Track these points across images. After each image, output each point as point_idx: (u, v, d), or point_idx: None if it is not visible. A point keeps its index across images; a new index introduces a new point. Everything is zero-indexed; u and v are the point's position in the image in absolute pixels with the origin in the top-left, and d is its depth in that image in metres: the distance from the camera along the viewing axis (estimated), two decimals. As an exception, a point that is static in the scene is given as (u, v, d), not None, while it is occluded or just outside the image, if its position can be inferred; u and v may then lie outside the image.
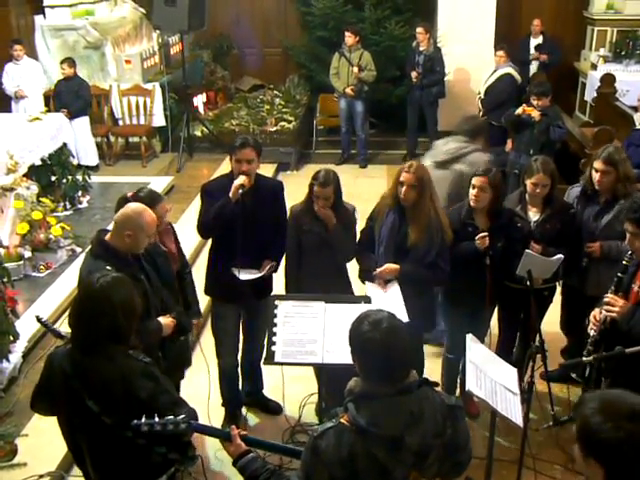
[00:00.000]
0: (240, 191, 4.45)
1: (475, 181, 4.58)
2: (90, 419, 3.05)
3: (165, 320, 3.95)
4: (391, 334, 2.53)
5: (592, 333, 3.97)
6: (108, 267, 3.55)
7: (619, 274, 3.95)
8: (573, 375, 5.20)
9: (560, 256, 4.70)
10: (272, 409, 5.27)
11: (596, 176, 4.77)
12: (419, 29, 10.31)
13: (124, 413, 2.94)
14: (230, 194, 4.46)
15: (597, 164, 4.77)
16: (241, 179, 4.47)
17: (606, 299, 3.88)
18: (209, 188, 4.75)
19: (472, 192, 4.59)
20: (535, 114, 7.36)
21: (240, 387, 5.23)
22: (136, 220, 3.76)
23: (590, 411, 2.14)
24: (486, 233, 4.56)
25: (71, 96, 9.77)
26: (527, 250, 4.61)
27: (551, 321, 5.30)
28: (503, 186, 4.75)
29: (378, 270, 4.50)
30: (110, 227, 3.86)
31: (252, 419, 5.26)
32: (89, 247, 3.97)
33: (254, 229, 4.55)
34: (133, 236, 3.74)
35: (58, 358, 3.16)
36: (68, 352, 3.14)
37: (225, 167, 5.84)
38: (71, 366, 3.08)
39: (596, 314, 3.96)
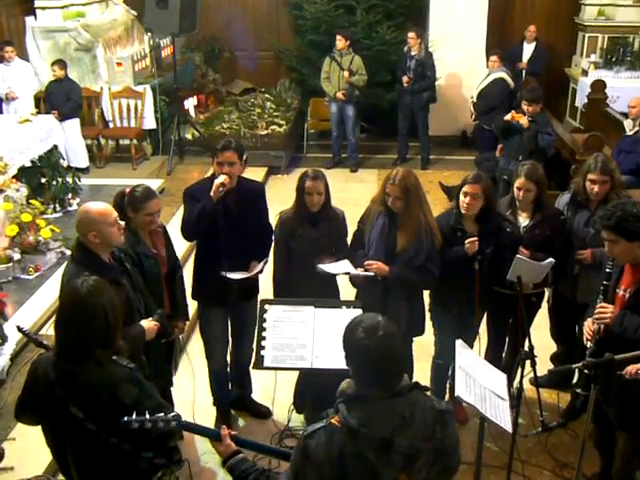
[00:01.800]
0: (221, 189, 4.45)
1: (467, 188, 4.56)
2: (74, 426, 3.03)
3: (148, 324, 3.93)
4: (387, 341, 2.53)
5: (589, 345, 3.97)
6: (87, 273, 3.54)
7: (604, 282, 3.96)
8: (578, 390, 5.04)
9: (551, 260, 4.69)
10: (261, 414, 5.25)
11: (594, 187, 4.75)
12: (411, 34, 10.33)
13: (109, 419, 2.93)
14: (211, 193, 4.46)
15: (593, 175, 4.74)
16: (222, 178, 4.47)
17: (596, 309, 3.88)
18: (192, 191, 4.73)
19: (464, 200, 4.58)
20: (523, 121, 7.38)
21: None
22: (88, 219, 3.75)
23: None
24: (475, 238, 4.55)
25: (62, 98, 9.74)
26: (518, 255, 4.60)
27: (540, 327, 5.31)
28: (493, 193, 4.75)
29: (369, 262, 4.49)
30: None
31: (241, 422, 5.25)
32: (70, 253, 3.96)
33: (238, 231, 4.56)
34: (98, 233, 3.72)
35: (42, 365, 3.14)
36: (53, 359, 3.11)
37: (215, 170, 5.82)
38: (55, 372, 3.06)
39: (590, 325, 3.96)
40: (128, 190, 4.30)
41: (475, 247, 4.56)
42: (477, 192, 4.54)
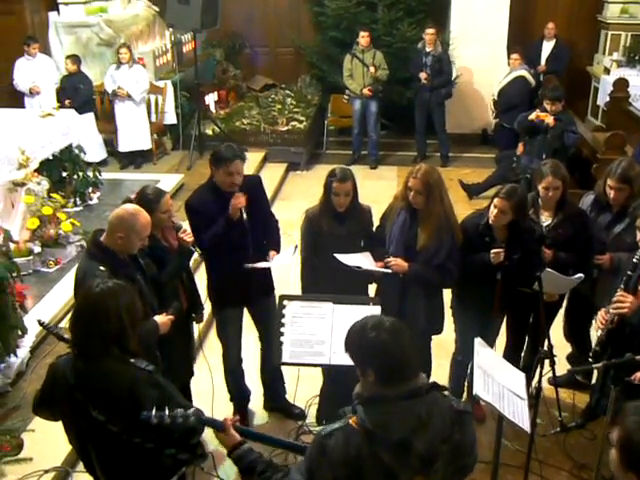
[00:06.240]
0: (241, 209, 4.45)
1: (497, 202, 4.48)
2: (97, 428, 3.02)
3: (161, 319, 3.92)
4: (398, 330, 2.54)
5: (599, 333, 3.94)
6: (102, 267, 3.54)
7: (628, 272, 3.92)
8: (578, 377, 5.17)
9: (580, 275, 4.63)
10: (296, 416, 5.18)
11: (610, 192, 4.70)
12: (431, 30, 10.29)
13: (130, 421, 2.91)
14: (232, 214, 4.44)
15: (611, 182, 4.68)
16: (241, 200, 4.44)
17: (615, 297, 3.85)
18: (195, 204, 4.59)
19: (493, 211, 4.51)
20: (549, 120, 7.31)
21: (262, 393, 5.26)
22: (129, 222, 3.73)
23: (635, 425, 2.09)
24: (501, 250, 4.49)
25: (72, 91, 9.86)
26: (548, 269, 4.50)
27: (559, 326, 5.28)
28: (527, 206, 4.65)
29: (389, 259, 4.48)
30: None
31: (258, 418, 5.26)
32: (86, 248, 3.95)
33: (254, 228, 4.55)
34: (125, 238, 3.72)
35: (61, 368, 3.12)
36: (71, 362, 3.10)
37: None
38: (74, 377, 3.04)
39: (603, 314, 3.93)
40: (134, 196, 4.27)
41: (500, 258, 4.50)
42: (505, 209, 4.45)
